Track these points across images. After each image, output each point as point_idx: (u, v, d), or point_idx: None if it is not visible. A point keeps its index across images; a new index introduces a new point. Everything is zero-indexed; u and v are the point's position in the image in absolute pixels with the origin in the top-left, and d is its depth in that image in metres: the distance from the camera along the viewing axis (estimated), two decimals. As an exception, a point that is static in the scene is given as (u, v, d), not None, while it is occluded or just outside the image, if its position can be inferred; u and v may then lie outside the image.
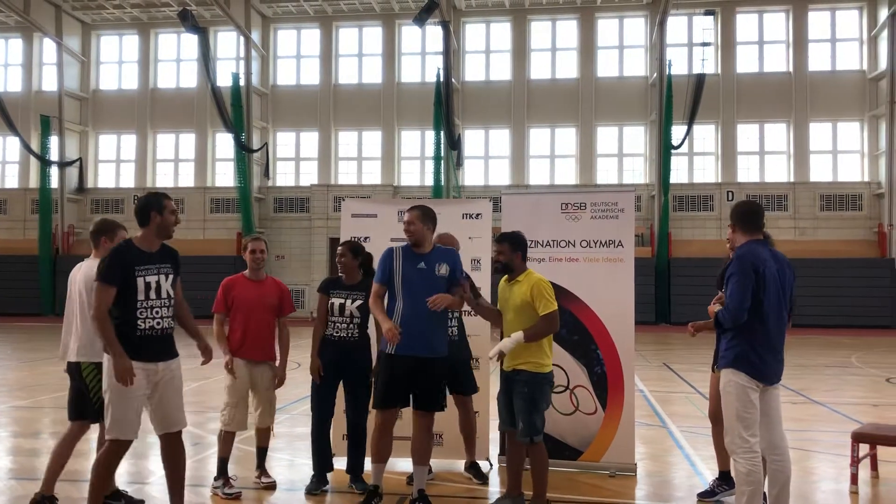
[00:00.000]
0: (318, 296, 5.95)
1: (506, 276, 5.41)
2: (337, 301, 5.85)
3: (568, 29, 30.73)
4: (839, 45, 29.43)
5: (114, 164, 32.89)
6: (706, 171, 29.69)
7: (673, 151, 27.42)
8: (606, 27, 30.55)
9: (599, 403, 6.41)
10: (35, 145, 30.71)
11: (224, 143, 31.24)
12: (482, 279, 6.72)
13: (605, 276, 6.48)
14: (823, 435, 8.32)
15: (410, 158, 31.14)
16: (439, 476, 6.25)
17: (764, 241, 4.76)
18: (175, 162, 32.48)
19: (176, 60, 32.67)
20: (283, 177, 31.97)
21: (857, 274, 26.56)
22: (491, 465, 6.60)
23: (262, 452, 5.95)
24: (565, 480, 6.04)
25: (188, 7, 26.92)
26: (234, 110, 28.29)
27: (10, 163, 32.93)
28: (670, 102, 27.06)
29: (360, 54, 31.69)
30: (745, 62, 29.66)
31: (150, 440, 7.33)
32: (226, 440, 5.86)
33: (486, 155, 30.76)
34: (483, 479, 6.14)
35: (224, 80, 28.46)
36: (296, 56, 32.13)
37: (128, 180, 32.46)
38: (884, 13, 27.87)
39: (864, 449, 6.10)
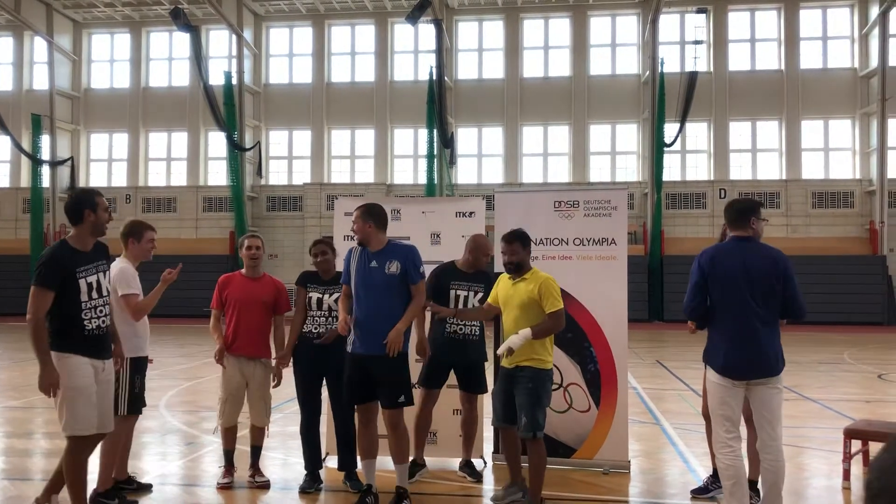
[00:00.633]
0: (297, 288, 5.96)
1: (510, 275, 5.45)
2: (315, 295, 5.87)
3: (560, 27, 30.75)
4: (831, 42, 29.53)
5: (105, 163, 32.78)
6: (699, 169, 29.76)
7: (665, 149, 27.49)
8: (599, 25, 30.59)
9: (593, 401, 6.43)
10: (26, 144, 30.57)
11: (216, 142, 31.18)
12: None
13: (598, 273, 6.49)
14: (816, 431, 8.35)
15: (403, 157, 31.12)
16: (434, 474, 6.25)
17: (744, 237, 4.72)
18: (167, 161, 32.39)
19: (168, 59, 32.58)
20: (276, 175, 31.91)
21: (849, 271, 26.67)
22: (485, 463, 6.61)
23: (255, 451, 5.95)
24: (559, 478, 6.05)
25: (180, 5, 26.82)
26: (227, 109, 28.23)
27: (1, 162, 32.77)
28: (663, 100, 27.11)
29: (352, 52, 31.65)
30: (737, 60, 29.74)
31: (144, 440, 7.32)
32: (223, 434, 5.92)
33: (479, 153, 30.77)
34: (477, 477, 6.14)
35: (216, 79, 28.39)
36: (288, 54, 32.07)
37: (120, 179, 32.36)
38: (875, 11, 27.98)
39: (856, 445, 6.13)
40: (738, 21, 29.89)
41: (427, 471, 6.26)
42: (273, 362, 5.97)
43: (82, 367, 4.52)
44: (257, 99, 31.48)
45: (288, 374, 5.96)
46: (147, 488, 5.66)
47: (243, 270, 6.06)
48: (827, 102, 28.88)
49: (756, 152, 29.58)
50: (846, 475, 5.90)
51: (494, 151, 30.62)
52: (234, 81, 29.35)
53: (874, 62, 28.04)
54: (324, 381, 5.94)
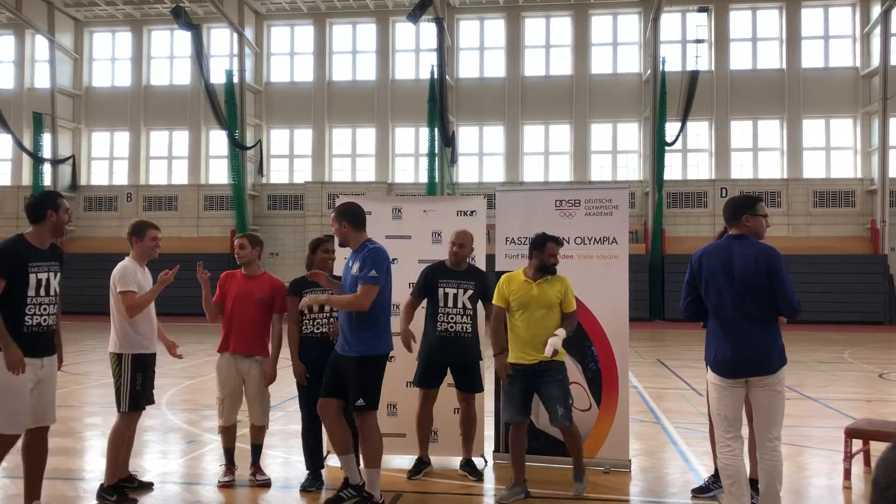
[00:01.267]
0: (289, 299, 5.86)
1: (529, 276, 5.60)
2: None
3: (562, 26, 30.73)
4: (832, 41, 29.51)
5: (107, 161, 32.80)
6: (700, 168, 29.75)
7: (667, 148, 27.48)
8: (600, 24, 30.57)
9: (594, 400, 6.43)
10: (27, 143, 30.59)
11: (218, 141, 31.18)
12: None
13: (599, 272, 6.49)
14: (817, 431, 8.35)
15: (405, 155, 31.12)
16: (436, 473, 6.26)
17: (736, 235, 4.69)
18: (168, 159, 32.40)
19: (169, 57, 32.58)
20: (277, 174, 31.92)
21: (850, 270, 26.66)
22: (486, 461, 6.61)
23: (255, 450, 5.96)
24: (560, 477, 6.05)
25: (181, 4, 26.82)
26: (228, 107, 28.23)
27: (2, 160, 32.78)
28: (664, 99, 27.10)
29: (353, 51, 31.65)
30: (739, 59, 29.71)
31: (145, 438, 7.33)
32: (222, 433, 5.94)
33: (480, 152, 30.76)
34: (478, 475, 6.15)
35: (217, 78, 28.39)
36: (289, 53, 32.07)
37: (121, 178, 32.37)
38: (876, 10, 27.95)
39: (857, 444, 6.13)
40: (739, 20, 29.87)
41: (432, 469, 6.26)
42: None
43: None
44: (258, 97, 31.48)
45: (289, 372, 5.96)
46: (148, 486, 5.68)
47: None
48: (828, 101, 28.86)
49: (757, 151, 29.56)
50: (847, 474, 5.90)
51: (495, 150, 30.61)
52: (236, 80, 29.36)
53: (876, 61, 28.01)
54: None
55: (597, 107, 29.84)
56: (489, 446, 6.76)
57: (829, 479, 6.16)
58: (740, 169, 29.49)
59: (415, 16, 24.50)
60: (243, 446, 6.11)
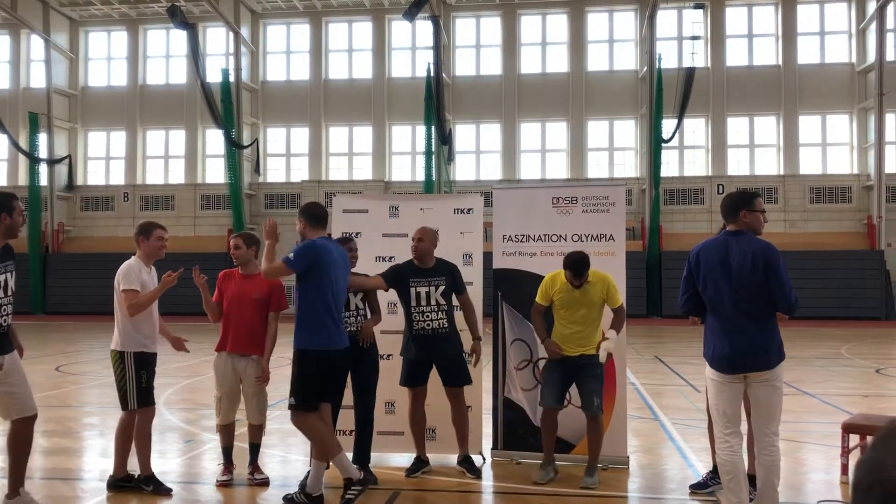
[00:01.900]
0: None
1: (566, 278, 5.87)
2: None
3: (558, 23, 30.73)
4: (828, 38, 29.55)
5: (103, 161, 32.76)
6: (696, 165, 29.78)
7: (663, 145, 27.50)
8: (596, 21, 30.57)
9: (592, 397, 6.43)
10: (23, 143, 30.54)
11: (214, 140, 31.15)
12: (474, 274, 6.73)
13: (596, 269, 6.48)
14: (814, 426, 8.37)
15: (401, 153, 31.12)
16: (433, 470, 6.27)
17: (734, 231, 4.67)
18: (165, 159, 32.37)
19: (165, 57, 32.54)
20: (274, 173, 31.90)
21: (847, 266, 26.70)
22: (484, 459, 6.61)
23: (253, 449, 5.96)
24: (561, 473, 6.07)
25: (177, 3, 26.77)
26: (224, 106, 28.21)
27: (-2, 160, 32.77)
28: (660, 96, 27.11)
29: (350, 49, 31.62)
30: (735, 55, 29.74)
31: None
32: (220, 432, 5.96)
33: (477, 149, 30.76)
34: (476, 472, 6.14)
35: (214, 76, 28.36)
36: (285, 51, 32.04)
37: (118, 177, 32.33)
38: (872, 6, 27.99)
39: (854, 439, 6.14)
40: (735, 16, 29.89)
41: (430, 468, 6.27)
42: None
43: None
44: (255, 96, 31.45)
45: (285, 371, 5.96)
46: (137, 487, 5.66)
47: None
48: (824, 97, 28.90)
49: (754, 148, 29.60)
50: (844, 469, 5.91)
51: (492, 148, 30.61)
52: (232, 79, 29.33)
53: (871, 57, 28.05)
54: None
55: (593, 104, 29.85)
56: (487, 443, 6.76)
57: (827, 474, 6.17)
58: (737, 165, 29.52)
59: (411, 14, 24.48)
60: (242, 445, 6.11)
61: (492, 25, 31.03)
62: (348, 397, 6.05)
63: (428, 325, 6.11)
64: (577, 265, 5.76)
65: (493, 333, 6.78)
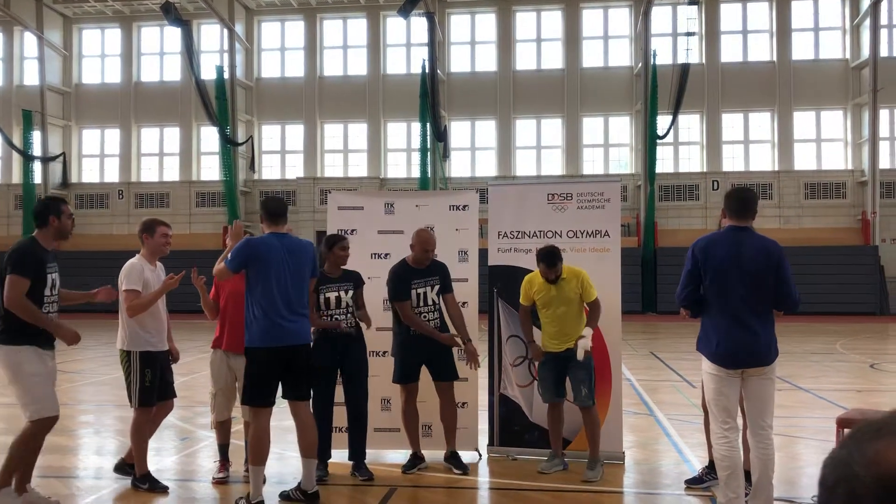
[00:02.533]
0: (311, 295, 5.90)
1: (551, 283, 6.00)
2: (332, 295, 5.93)
3: (553, 19, 30.72)
4: (822, 33, 29.58)
5: (97, 158, 32.66)
6: (691, 161, 29.81)
7: (658, 141, 27.52)
8: (591, 17, 30.57)
9: (587, 393, 6.45)
10: (17, 140, 30.44)
11: (209, 137, 31.08)
12: (469, 270, 6.74)
13: (591, 265, 6.48)
14: (808, 421, 8.40)
15: (397, 150, 31.09)
16: (429, 466, 6.28)
17: (741, 227, 4.71)
18: (160, 156, 32.29)
19: (159, 54, 32.43)
20: (269, 170, 31.84)
21: (842, 261, 26.77)
22: (480, 455, 6.62)
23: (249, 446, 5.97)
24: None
25: (170, 0, 26.68)
26: (219, 103, 28.14)
27: (-8, 158, 32.66)
28: (655, 92, 27.13)
29: (344, 46, 31.57)
30: (730, 51, 29.77)
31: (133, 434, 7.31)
32: (216, 428, 5.97)
33: (472, 146, 30.75)
34: (463, 468, 6.14)
35: (208, 74, 28.28)
36: (280, 48, 31.98)
37: (112, 175, 32.24)
38: (866, 2, 28.03)
39: (848, 434, 6.16)
40: (730, 12, 29.91)
41: (427, 464, 6.28)
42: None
43: (37, 355, 4.91)
44: (249, 93, 31.39)
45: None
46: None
47: None
48: (819, 93, 28.94)
49: (748, 144, 29.64)
50: (839, 464, 5.92)
51: (487, 144, 30.61)
52: (226, 76, 29.26)
53: (865, 53, 28.09)
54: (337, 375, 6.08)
55: (588, 100, 29.85)
56: (483, 440, 6.77)
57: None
58: (732, 161, 29.57)
59: (405, 10, 24.44)
60: (237, 442, 6.11)
61: (486, 22, 31.01)
62: (339, 395, 6.08)
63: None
64: (549, 257, 5.90)
65: (489, 330, 6.79)
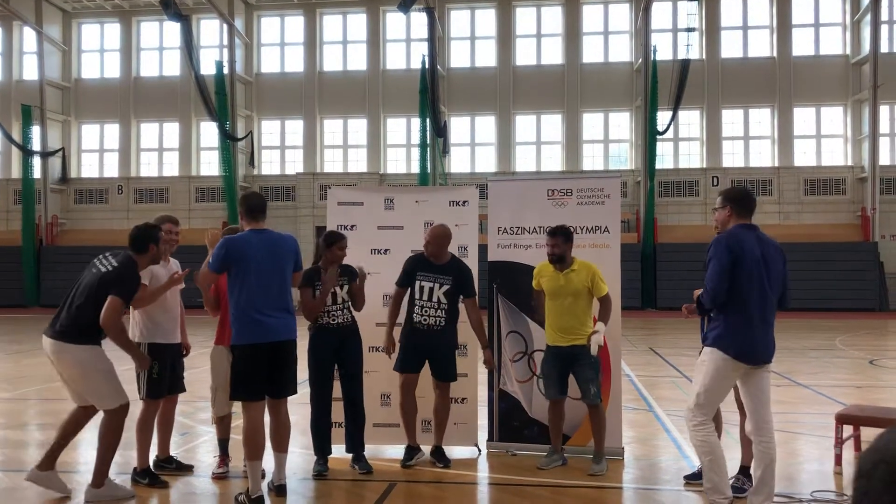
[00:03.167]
0: (301, 290, 5.90)
1: (554, 266, 6.01)
2: (319, 295, 5.93)
3: (553, 15, 30.67)
4: (822, 29, 29.54)
5: (97, 153, 32.62)
6: (691, 157, 29.79)
7: (658, 137, 27.48)
8: (591, 13, 30.52)
9: (587, 388, 6.45)
10: (17, 135, 30.39)
11: (208, 132, 31.04)
12: (469, 265, 6.73)
13: (591, 261, 6.49)
14: (808, 417, 8.41)
15: (396, 146, 31.06)
16: (429, 461, 6.29)
17: (751, 225, 4.84)
18: (159, 151, 32.26)
19: (158, 49, 32.38)
20: (269, 165, 31.81)
21: (842, 257, 26.77)
22: (479, 450, 6.63)
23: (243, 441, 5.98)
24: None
25: (170, -6, 26.62)
26: (218, 99, 28.07)
27: (-9, 153, 32.63)
28: (655, 88, 27.09)
29: (344, 41, 31.52)
30: (730, 47, 29.73)
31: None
32: (217, 423, 6.00)
33: (472, 142, 30.72)
34: (445, 462, 6.19)
35: (208, 69, 28.21)
36: (280, 44, 31.92)
37: (111, 170, 32.21)
38: (866, -2, 27.99)
39: (847, 430, 6.18)
40: (730, 8, 29.86)
41: (423, 454, 6.32)
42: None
43: (100, 353, 5.22)
44: (249, 88, 31.35)
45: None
46: (188, 468, 6.00)
47: None
48: (819, 89, 28.91)
49: (748, 140, 29.62)
50: (838, 460, 5.95)
51: (487, 140, 30.58)
52: (226, 71, 29.19)
53: (866, 49, 28.05)
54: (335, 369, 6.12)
55: (588, 96, 29.82)
56: (483, 435, 6.78)
57: (821, 465, 6.21)
58: (732, 157, 29.54)
59: (405, 6, 24.39)
60: (238, 438, 6.12)
61: (486, 17, 30.95)
62: (337, 390, 6.10)
63: (425, 320, 6.16)
64: (555, 229, 6.00)
65: (489, 326, 6.79)
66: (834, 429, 6.07)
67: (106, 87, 32.10)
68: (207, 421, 6.73)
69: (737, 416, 5.54)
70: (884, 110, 28.07)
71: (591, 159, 29.98)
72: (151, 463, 5.79)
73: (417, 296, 6.17)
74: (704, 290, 4.77)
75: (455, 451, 6.55)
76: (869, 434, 6.41)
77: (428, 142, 27.76)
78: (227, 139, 28.71)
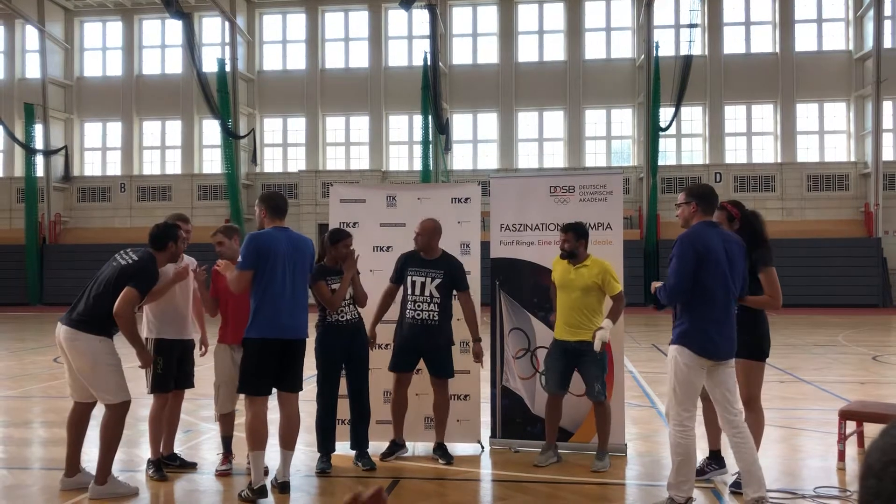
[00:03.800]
0: (318, 284, 5.93)
1: (566, 260, 6.03)
2: (335, 287, 5.96)
3: (555, 11, 30.62)
4: (825, 25, 29.47)
5: (100, 151, 32.65)
6: (694, 153, 29.76)
7: (661, 133, 27.45)
8: (593, 9, 30.47)
9: (590, 385, 6.45)
10: (19, 133, 30.43)
11: (211, 130, 31.06)
12: (472, 263, 6.74)
13: (598, 258, 6.49)
14: (811, 413, 8.40)
15: (399, 143, 31.06)
16: (433, 458, 6.30)
17: (714, 223, 4.94)
18: (161, 149, 32.28)
19: (161, 46, 32.39)
20: (271, 163, 31.83)
21: (845, 253, 26.73)
22: (482, 447, 6.64)
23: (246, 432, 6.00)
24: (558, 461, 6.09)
25: (172, -8, 26.60)
26: (221, 96, 28.07)
27: (-6, 152, 32.67)
28: (658, 84, 27.05)
29: (346, 38, 31.50)
30: (732, 43, 29.67)
31: (142, 427, 7.33)
32: (220, 421, 6.03)
33: (474, 139, 30.71)
34: (448, 458, 6.21)
35: (210, 66, 28.21)
36: (282, 41, 31.91)
37: (114, 168, 32.25)
38: (870, -7, 27.92)
39: (851, 426, 6.17)
40: (732, 4, 29.80)
41: (406, 451, 6.39)
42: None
43: (111, 346, 5.30)
44: (251, 86, 31.35)
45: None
46: (191, 466, 6.02)
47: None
48: (822, 85, 28.85)
49: (751, 136, 29.57)
50: (841, 456, 5.94)
51: (489, 137, 30.56)
52: (228, 69, 29.20)
53: (869, 44, 27.99)
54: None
55: (591, 92, 29.78)
56: (486, 432, 6.78)
57: (824, 461, 6.20)
58: (734, 154, 29.51)
59: (407, 2, 24.36)
60: (241, 435, 6.12)
61: (488, 14, 30.92)
62: (342, 388, 6.12)
63: (418, 315, 6.17)
64: (568, 224, 6.04)
65: (491, 323, 6.80)
66: (837, 425, 6.06)
67: (108, 85, 32.12)
68: (211, 418, 6.74)
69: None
70: (887, 106, 28.02)
71: (594, 156, 29.95)
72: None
73: (409, 291, 6.20)
74: (663, 286, 4.92)
75: (458, 448, 6.56)
76: (872, 430, 6.40)
77: (430, 139, 27.75)
78: (230, 137, 28.72)
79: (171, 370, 5.77)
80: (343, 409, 6.20)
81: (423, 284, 6.17)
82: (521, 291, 6.67)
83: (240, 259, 5.28)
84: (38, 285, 29.49)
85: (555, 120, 30.36)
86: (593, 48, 30.32)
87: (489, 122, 30.58)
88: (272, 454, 6.43)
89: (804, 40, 29.30)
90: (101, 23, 32.79)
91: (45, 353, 13.92)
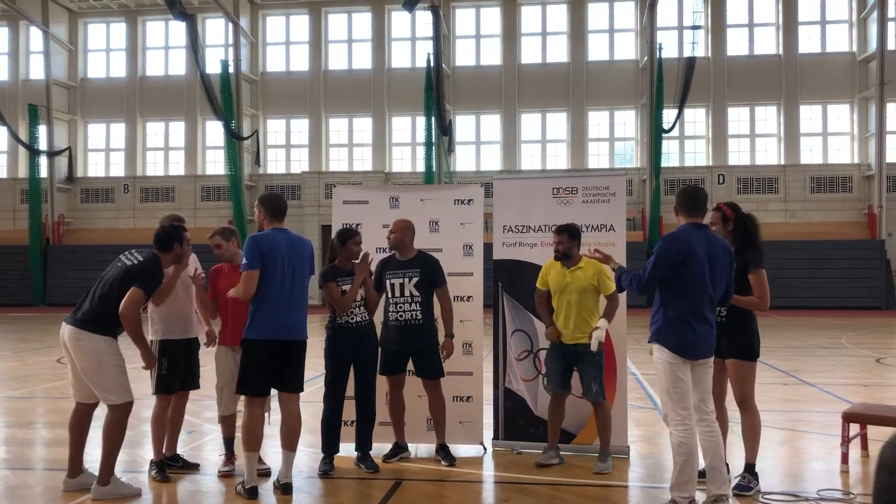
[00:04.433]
0: (329, 286, 5.95)
1: (560, 262, 6.05)
2: (347, 288, 5.96)
3: (558, 13, 30.63)
4: (829, 27, 29.45)
5: (103, 152, 32.72)
6: (697, 155, 29.74)
7: (664, 135, 27.44)
8: (596, 11, 30.47)
9: (592, 387, 6.44)
10: (23, 134, 30.50)
11: (214, 131, 31.10)
12: (474, 265, 6.74)
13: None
14: (814, 415, 8.38)
15: (401, 144, 31.08)
16: (435, 459, 6.29)
17: (702, 225, 4.96)
18: (165, 150, 32.33)
19: (164, 48, 32.45)
20: (274, 164, 31.87)
21: (848, 255, 26.69)
22: (485, 449, 6.63)
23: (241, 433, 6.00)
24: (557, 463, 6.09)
25: (176, -6, 26.64)
26: (224, 98, 28.11)
27: (-2, 153, 32.73)
28: (661, 86, 27.04)
29: (349, 40, 31.54)
30: (736, 45, 29.66)
31: (145, 428, 7.34)
32: (222, 422, 6.04)
33: (477, 140, 30.72)
34: (451, 460, 6.20)
35: (213, 68, 28.27)
36: (285, 42, 31.95)
37: (118, 169, 32.31)
38: (873, -5, 27.89)
39: (854, 429, 6.15)
40: (736, 5, 29.79)
41: (408, 454, 6.38)
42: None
43: (115, 347, 5.32)
44: (254, 87, 31.39)
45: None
46: (194, 467, 6.02)
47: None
48: (825, 87, 28.83)
49: (754, 137, 29.55)
50: (844, 458, 5.93)
51: (492, 138, 30.57)
52: (231, 70, 29.24)
53: (872, 46, 27.96)
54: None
55: (594, 94, 29.78)
56: (488, 434, 6.78)
57: (827, 463, 6.19)
58: (737, 155, 29.48)
59: (410, 4, 24.38)
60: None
61: (492, 15, 30.94)
62: (349, 389, 6.12)
63: (401, 316, 6.18)
64: (562, 227, 6.05)
65: (494, 324, 6.79)
66: (840, 427, 6.04)
67: (112, 86, 32.18)
68: (213, 419, 6.74)
69: (737, 415, 5.52)
70: (891, 108, 27.98)
71: (597, 157, 29.94)
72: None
73: (390, 294, 6.22)
74: (633, 276, 4.96)
75: (460, 450, 6.55)
76: (875, 432, 6.39)
77: (433, 140, 27.75)
78: (233, 138, 28.75)
79: (177, 370, 5.79)
80: (349, 410, 6.20)
81: (401, 285, 6.18)
82: (523, 293, 6.66)
83: (244, 261, 5.27)
84: (42, 286, 29.54)
85: (558, 121, 30.36)
86: (596, 50, 30.32)
87: (492, 123, 30.59)
88: (274, 455, 6.44)
89: (808, 42, 29.27)
90: (105, 24, 32.86)
91: (48, 353, 13.94)
